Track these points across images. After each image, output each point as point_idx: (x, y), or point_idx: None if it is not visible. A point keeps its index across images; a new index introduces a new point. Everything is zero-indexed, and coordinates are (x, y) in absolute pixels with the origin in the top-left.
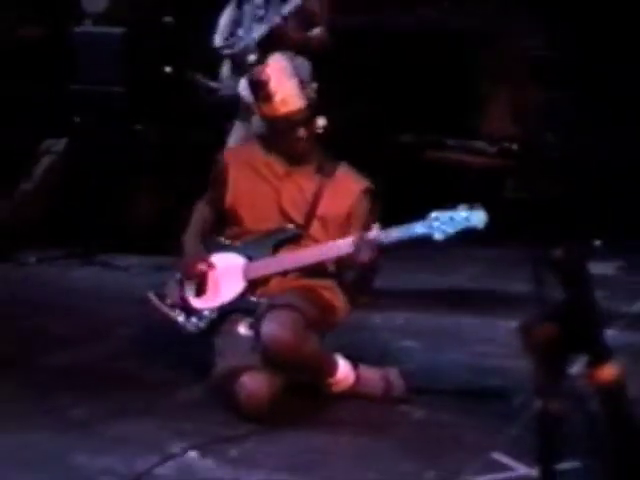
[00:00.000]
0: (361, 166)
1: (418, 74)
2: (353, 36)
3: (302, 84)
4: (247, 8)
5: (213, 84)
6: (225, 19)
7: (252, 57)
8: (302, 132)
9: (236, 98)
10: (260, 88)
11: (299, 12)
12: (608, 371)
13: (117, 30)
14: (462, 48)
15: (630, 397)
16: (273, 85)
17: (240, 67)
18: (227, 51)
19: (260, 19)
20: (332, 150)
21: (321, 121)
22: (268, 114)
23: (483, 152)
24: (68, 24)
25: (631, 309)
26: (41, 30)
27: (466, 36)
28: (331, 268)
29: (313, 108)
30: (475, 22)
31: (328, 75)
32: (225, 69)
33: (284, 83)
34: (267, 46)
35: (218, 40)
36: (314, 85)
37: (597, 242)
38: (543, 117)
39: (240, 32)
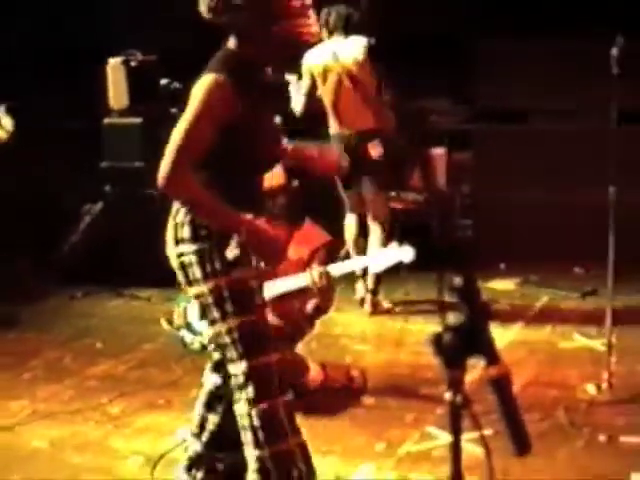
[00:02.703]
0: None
1: None
2: None
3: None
4: None
5: None
6: None
7: None
8: (280, 199)
9: None
10: None
11: None
12: (497, 369)
13: (137, 120)
14: None
15: (522, 381)
16: None
17: None
18: None
19: None
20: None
21: (295, 183)
22: None
23: (415, 200)
24: (100, 116)
25: (526, 314)
26: (80, 122)
27: None
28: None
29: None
30: None
31: None
32: None
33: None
34: None
35: None
36: None
37: (502, 265)
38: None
39: None
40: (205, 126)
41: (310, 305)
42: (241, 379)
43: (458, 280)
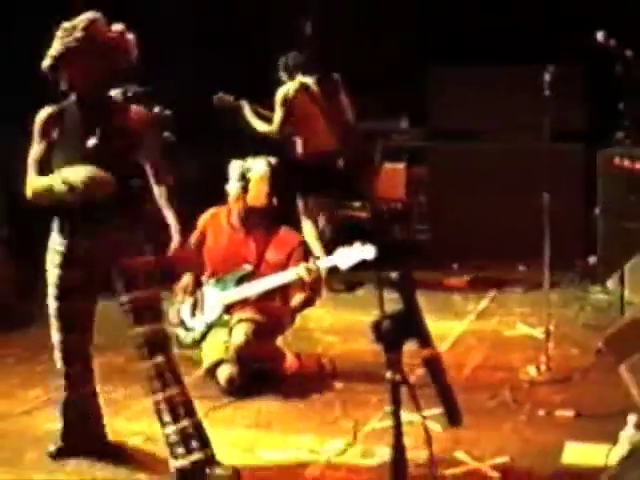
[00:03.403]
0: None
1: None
2: None
3: (271, 189)
4: None
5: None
6: None
7: None
8: (257, 214)
9: None
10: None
11: None
12: (429, 351)
13: None
14: None
15: (473, 365)
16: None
17: None
18: None
19: None
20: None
21: (275, 201)
22: (241, 197)
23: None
24: None
25: (477, 307)
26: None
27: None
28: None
29: (272, 201)
30: None
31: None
32: None
33: (259, 185)
34: None
35: None
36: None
37: (455, 265)
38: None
39: None
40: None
41: (296, 300)
42: None
43: (395, 275)
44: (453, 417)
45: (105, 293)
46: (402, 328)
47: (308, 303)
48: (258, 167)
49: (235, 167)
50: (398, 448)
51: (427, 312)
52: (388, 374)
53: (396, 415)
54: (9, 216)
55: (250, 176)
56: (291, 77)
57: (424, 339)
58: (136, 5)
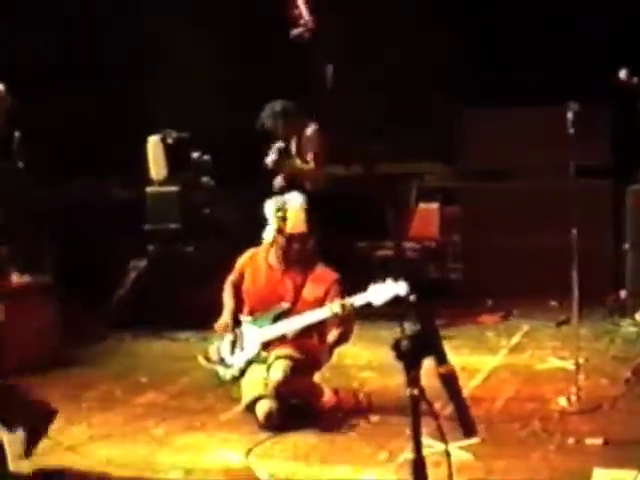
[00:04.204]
0: (333, 264)
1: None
2: None
3: (309, 216)
4: None
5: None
6: None
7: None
8: (296, 247)
9: None
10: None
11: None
12: (446, 367)
13: (174, 188)
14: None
15: (505, 397)
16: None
17: None
18: None
19: None
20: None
21: (312, 239)
22: (281, 229)
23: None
24: (143, 186)
25: (510, 342)
26: (127, 192)
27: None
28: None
29: (310, 233)
30: None
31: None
32: None
33: (297, 212)
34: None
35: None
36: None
37: (489, 302)
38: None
39: None
40: None
41: (331, 336)
42: None
43: (412, 297)
44: (468, 429)
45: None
46: (420, 347)
47: (342, 339)
48: (294, 197)
49: (271, 203)
50: (418, 459)
51: (462, 347)
52: (408, 390)
53: (416, 429)
54: (54, 262)
55: (287, 206)
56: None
57: (441, 356)
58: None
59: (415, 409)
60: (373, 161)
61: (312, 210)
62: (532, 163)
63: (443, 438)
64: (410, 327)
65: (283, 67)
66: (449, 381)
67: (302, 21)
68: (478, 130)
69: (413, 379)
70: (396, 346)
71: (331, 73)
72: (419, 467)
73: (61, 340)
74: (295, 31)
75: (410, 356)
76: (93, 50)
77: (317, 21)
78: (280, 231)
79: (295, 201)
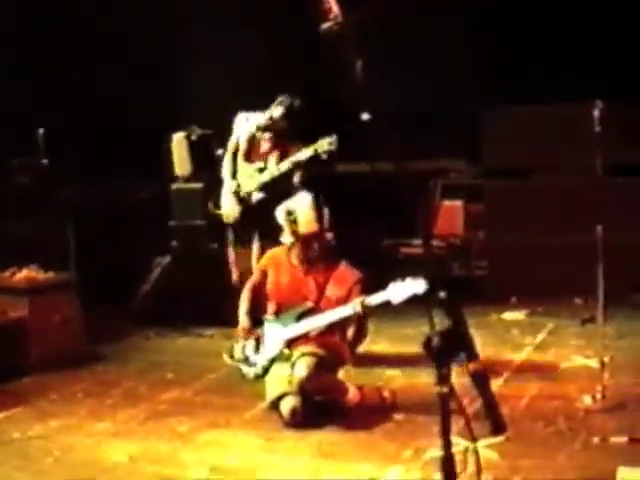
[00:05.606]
0: (356, 262)
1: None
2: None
3: (319, 214)
4: None
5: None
6: None
7: None
8: (315, 246)
9: None
10: (289, 213)
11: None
12: (476, 364)
13: (199, 185)
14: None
15: (530, 395)
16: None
17: None
18: None
19: None
20: (337, 252)
21: (329, 235)
22: (294, 232)
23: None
24: (167, 183)
25: (535, 340)
26: (151, 189)
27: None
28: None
29: (324, 229)
30: None
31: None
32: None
33: (306, 212)
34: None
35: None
36: (326, 212)
37: (513, 299)
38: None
39: None
40: None
41: (350, 332)
42: None
43: (442, 293)
44: (498, 427)
45: (171, 329)
46: (451, 343)
47: (360, 337)
48: (301, 198)
49: (281, 210)
50: (448, 456)
51: (486, 345)
52: (438, 388)
53: (445, 427)
54: (79, 259)
55: (295, 208)
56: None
57: (471, 353)
58: None
59: (444, 407)
60: (404, 158)
61: (321, 207)
62: (557, 160)
63: (472, 436)
64: (440, 324)
65: (311, 63)
66: (479, 378)
67: (332, 15)
68: (503, 127)
69: (443, 376)
70: (427, 343)
71: (360, 68)
72: (448, 464)
73: (85, 336)
74: (325, 25)
75: (441, 353)
76: (125, 50)
77: (346, 15)
78: (295, 234)
79: (302, 202)
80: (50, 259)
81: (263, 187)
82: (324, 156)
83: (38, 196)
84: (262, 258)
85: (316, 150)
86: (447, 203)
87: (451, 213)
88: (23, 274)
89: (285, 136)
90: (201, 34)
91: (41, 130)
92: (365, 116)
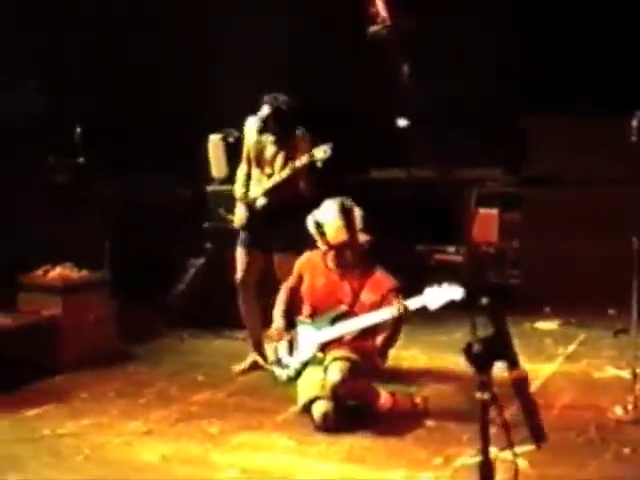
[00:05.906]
0: (391, 267)
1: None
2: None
3: (347, 221)
4: None
5: None
6: None
7: None
8: (348, 253)
9: None
10: (317, 225)
11: None
12: (518, 372)
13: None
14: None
15: (561, 405)
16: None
17: None
18: None
19: None
20: (371, 256)
21: (363, 237)
22: (325, 242)
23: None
24: (203, 185)
25: (567, 350)
26: (189, 190)
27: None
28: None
29: (356, 235)
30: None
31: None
32: None
33: (333, 223)
34: None
35: None
36: (358, 215)
37: (547, 308)
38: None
39: None
40: None
41: (380, 338)
42: None
43: (485, 300)
44: (538, 436)
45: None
46: (492, 351)
47: (392, 342)
48: (326, 209)
49: (310, 221)
50: (486, 464)
51: (519, 354)
52: (478, 394)
53: (484, 434)
54: (114, 258)
55: (322, 219)
56: None
57: (512, 361)
58: None
59: (484, 414)
60: (446, 166)
61: (349, 213)
62: (593, 170)
63: (510, 444)
64: (482, 330)
65: (356, 67)
66: (520, 386)
67: (379, 19)
68: (540, 137)
69: (484, 383)
70: (468, 349)
71: (407, 72)
72: (487, 472)
73: (118, 335)
74: (372, 29)
75: (481, 360)
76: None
77: (394, 19)
78: (326, 243)
79: (328, 213)
80: (84, 257)
81: (267, 193)
82: (319, 164)
83: (75, 194)
84: (297, 261)
85: (312, 157)
86: (482, 211)
87: (486, 221)
88: (57, 272)
89: (290, 139)
90: (232, 34)
91: (78, 129)
92: (402, 122)
